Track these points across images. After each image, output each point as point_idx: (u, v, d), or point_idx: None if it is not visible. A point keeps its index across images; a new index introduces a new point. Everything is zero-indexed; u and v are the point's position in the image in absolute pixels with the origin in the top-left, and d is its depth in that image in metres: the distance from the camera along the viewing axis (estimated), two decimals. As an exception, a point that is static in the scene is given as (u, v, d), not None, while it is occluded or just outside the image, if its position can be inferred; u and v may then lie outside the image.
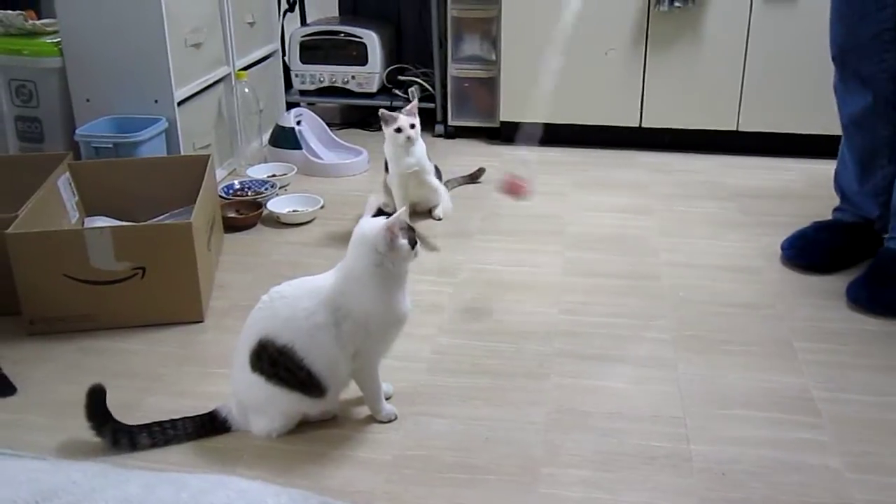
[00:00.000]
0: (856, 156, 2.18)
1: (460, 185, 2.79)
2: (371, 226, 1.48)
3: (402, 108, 2.37)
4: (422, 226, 2.47)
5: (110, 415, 1.49)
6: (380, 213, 1.53)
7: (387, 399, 1.61)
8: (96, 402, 1.48)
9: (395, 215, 1.47)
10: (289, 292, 1.51)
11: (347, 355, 1.50)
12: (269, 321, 1.49)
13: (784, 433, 1.55)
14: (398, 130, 2.30)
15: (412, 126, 2.31)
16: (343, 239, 2.37)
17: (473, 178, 2.84)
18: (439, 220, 2.50)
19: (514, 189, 2.09)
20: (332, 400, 1.55)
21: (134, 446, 1.49)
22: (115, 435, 1.49)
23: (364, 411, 1.61)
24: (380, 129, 3.33)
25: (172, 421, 1.53)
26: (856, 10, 2.02)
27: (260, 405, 1.53)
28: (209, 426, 1.55)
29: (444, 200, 2.44)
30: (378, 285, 1.49)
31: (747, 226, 2.46)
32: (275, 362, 1.48)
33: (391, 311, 1.51)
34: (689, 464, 1.47)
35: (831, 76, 2.22)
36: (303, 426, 1.57)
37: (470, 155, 3.09)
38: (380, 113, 2.35)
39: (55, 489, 0.71)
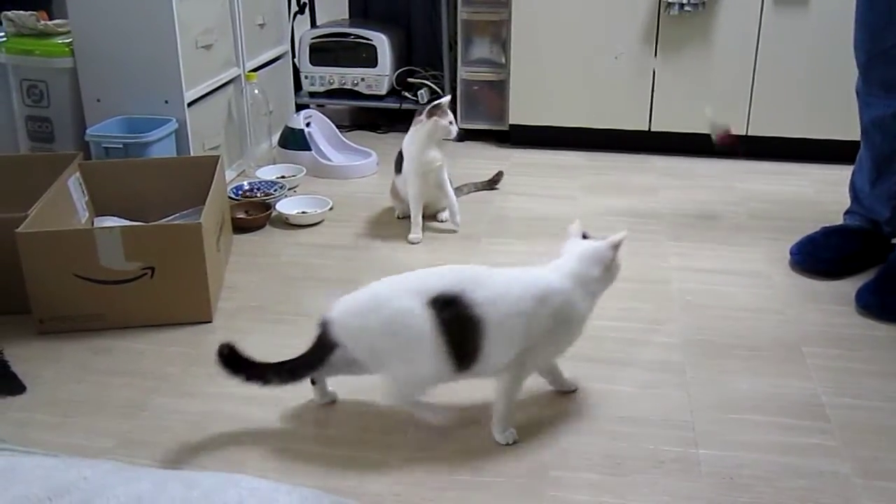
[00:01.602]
0: (873, 157, 2.17)
1: (477, 190, 2.78)
2: (588, 247, 1.55)
3: (414, 109, 2.40)
4: (428, 228, 2.47)
5: (243, 361, 1.49)
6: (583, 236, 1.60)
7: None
8: (229, 360, 1.49)
9: (618, 237, 1.54)
10: (499, 274, 1.52)
11: (518, 349, 1.49)
12: (472, 285, 1.47)
13: (793, 438, 1.54)
14: (451, 123, 2.35)
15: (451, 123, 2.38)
16: (349, 241, 2.39)
17: (492, 183, 2.82)
18: (443, 221, 2.50)
19: (727, 140, 2.55)
20: (452, 379, 1.52)
21: (266, 383, 1.50)
22: (250, 378, 1.49)
23: (372, 415, 1.61)
24: (388, 131, 3.38)
25: (293, 360, 1.51)
26: (881, 16, 2.01)
27: (398, 351, 1.47)
28: (322, 352, 1.51)
29: (454, 208, 2.45)
30: (598, 294, 1.56)
31: (756, 230, 2.46)
32: (457, 321, 1.45)
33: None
34: (697, 468, 1.47)
35: (842, 80, 2.22)
36: (310, 431, 1.57)
37: (479, 158, 3.09)
38: (436, 104, 2.36)
39: (67, 486, 0.71)
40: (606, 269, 1.54)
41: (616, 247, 1.53)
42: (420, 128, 2.36)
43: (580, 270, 1.53)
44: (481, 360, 1.48)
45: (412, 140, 2.38)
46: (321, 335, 1.50)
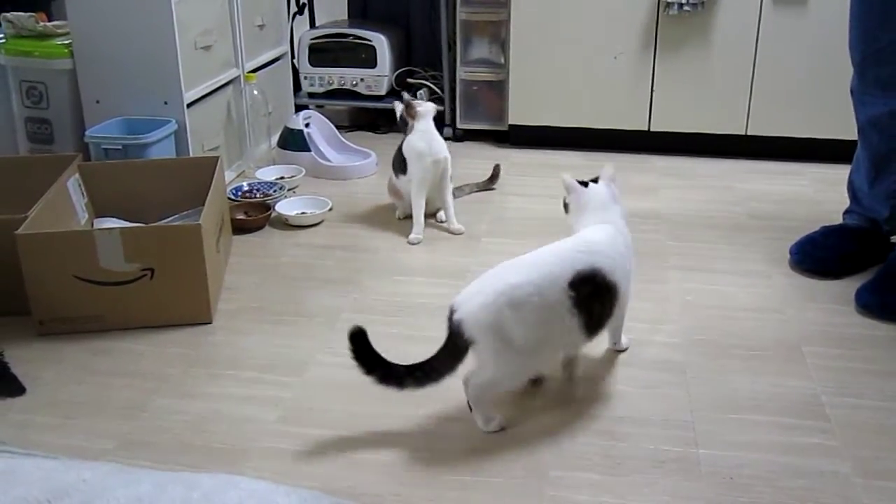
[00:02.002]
0: (870, 157, 2.17)
1: (478, 190, 2.78)
2: (603, 187, 1.72)
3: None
4: (427, 227, 2.47)
5: (379, 358, 1.48)
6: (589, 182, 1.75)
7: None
8: (360, 346, 1.48)
9: (609, 171, 1.74)
10: (601, 237, 1.63)
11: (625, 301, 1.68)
12: (600, 257, 1.57)
13: (793, 438, 1.54)
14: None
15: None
16: (349, 241, 2.39)
17: (492, 180, 2.81)
18: (443, 222, 2.50)
19: None
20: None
21: (402, 386, 1.49)
22: (384, 380, 1.48)
23: (372, 415, 1.61)
24: (388, 131, 3.38)
25: (428, 362, 1.50)
26: (875, 15, 2.01)
27: (535, 342, 1.50)
28: (459, 352, 1.50)
29: (451, 210, 2.47)
30: None
31: (756, 230, 2.46)
32: (596, 293, 1.55)
33: None
34: (697, 468, 1.47)
35: (841, 79, 2.22)
36: (309, 431, 1.57)
37: (478, 158, 3.09)
38: (407, 101, 2.46)
39: (66, 488, 0.71)
40: (617, 201, 1.72)
41: (614, 179, 1.74)
42: (421, 120, 2.40)
43: (614, 213, 1.69)
44: (610, 322, 1.64)
45: (420, 136, 2.39)
46: (454, 336, 1.48)
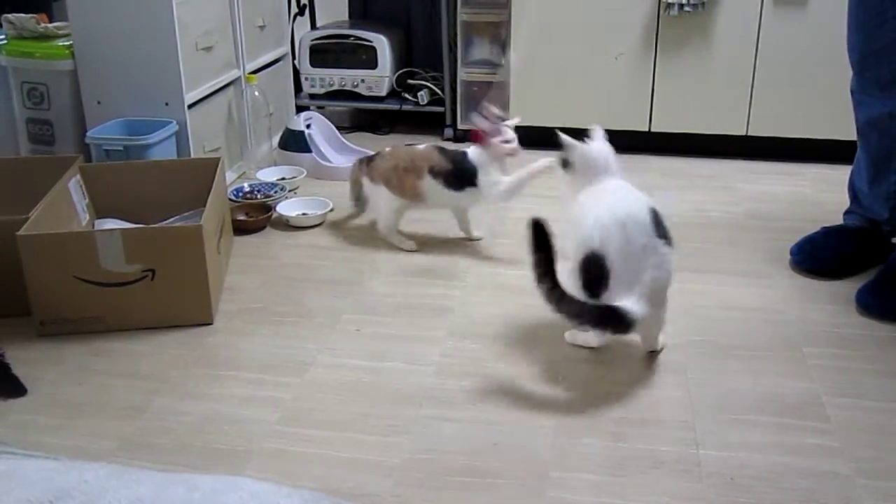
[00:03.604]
0: (870, 157, 2.17)
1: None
2: (606, 145, 1.81)
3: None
4: (425, 229, 2.47)
5: (553, 265, 1.60)
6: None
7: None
8: (540, 237, 1.60)
9: (599, 130, 1.82)
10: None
11: None
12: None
13: (793, 438, 1.55)
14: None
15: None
16: (350, 242, 2.39)
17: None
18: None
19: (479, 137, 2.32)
20: None
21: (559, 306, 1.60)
22: (551, 292, 1.61)
23: (374, 415, 1.62)
24: (389, 132, 3.38)
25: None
26: (873, 15, 2.01)
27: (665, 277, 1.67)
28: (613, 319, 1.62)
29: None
30: None
31: (756, 230, 2.46)
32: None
33: None
34: (697, 468, 1.47)
35: (842, 80, 2.22)
36: (310, 432, 1.57)
37: (479, 159, 3.09)
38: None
39: (68, 489, 0.71)
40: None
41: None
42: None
43: (619, 172, 1.82)
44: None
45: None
46: (592, 266, 1.67)
